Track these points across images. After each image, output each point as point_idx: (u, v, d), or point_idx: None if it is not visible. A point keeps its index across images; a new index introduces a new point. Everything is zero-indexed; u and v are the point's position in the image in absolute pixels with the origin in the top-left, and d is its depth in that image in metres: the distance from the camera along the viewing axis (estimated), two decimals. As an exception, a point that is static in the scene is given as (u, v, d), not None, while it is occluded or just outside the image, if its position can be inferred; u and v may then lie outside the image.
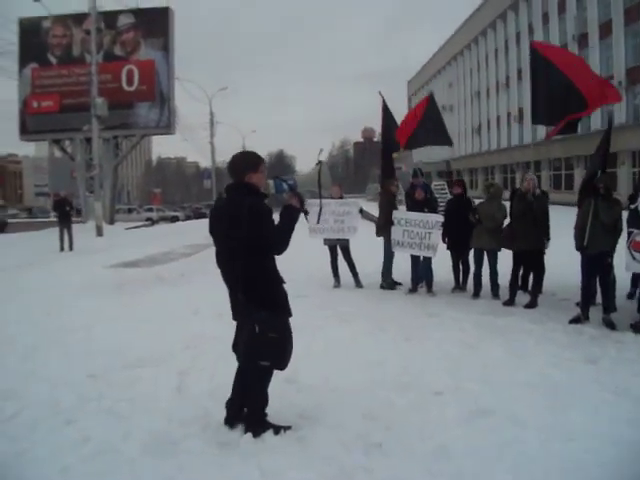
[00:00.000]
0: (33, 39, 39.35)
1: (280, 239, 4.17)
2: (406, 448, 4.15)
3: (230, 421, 4.50)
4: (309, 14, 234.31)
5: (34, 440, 4.33)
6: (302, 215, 4.42)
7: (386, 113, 11.22)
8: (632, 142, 34.11)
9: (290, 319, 4.41)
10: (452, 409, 4.83)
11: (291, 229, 4.23)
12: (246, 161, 4.38)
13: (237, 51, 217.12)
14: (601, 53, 39.44)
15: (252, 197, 4.18)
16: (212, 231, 4.45)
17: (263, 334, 4.20)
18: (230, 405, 4.53)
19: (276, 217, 4.19)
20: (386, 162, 11.26)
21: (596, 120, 39.44)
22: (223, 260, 4.36)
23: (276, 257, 4.34)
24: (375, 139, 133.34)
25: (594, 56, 39.77)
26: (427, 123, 10.43)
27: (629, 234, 7.43)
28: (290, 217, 4.25)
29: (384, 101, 11.18)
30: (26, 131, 40.52)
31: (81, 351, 6.78)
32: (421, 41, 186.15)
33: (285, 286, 4.40)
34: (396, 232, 10.16)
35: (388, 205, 10.70)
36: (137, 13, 38.65)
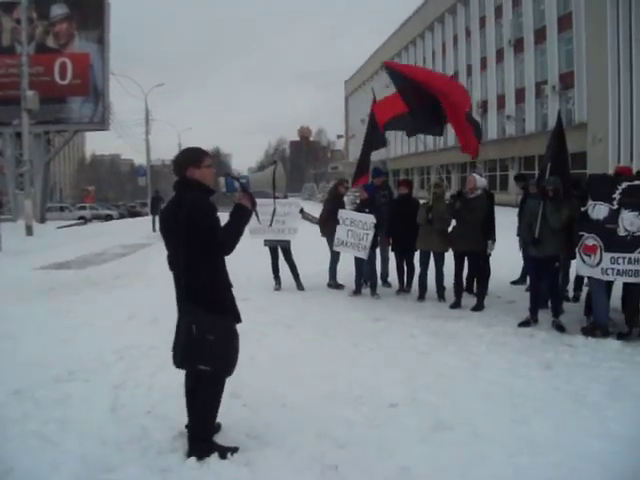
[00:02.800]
0: (-42, 27, 37.71)
1: (227, 239, 3.89)
2: (364, 470, 3.85)
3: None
4: (248, 15, 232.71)
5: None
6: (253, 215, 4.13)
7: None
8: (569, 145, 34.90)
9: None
10: (410, 423, 4.55)
11: (240, 229, 3.97)
12: (188, 156, 4.10)
13: (174, 49, 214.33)
14: (536, 58, 40.29)
15: (194, 193, 3.92)
16: (162, 232, 4.16)
17: (200, 336, 3.89)
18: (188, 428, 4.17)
19: (225, 216, 3.89)
20: (363, 159, 10.73)
21: (530, 122, 40.36)
22: (172, 263, 4.05)
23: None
24: (311, 138, 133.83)
25: (529, 61, 40.65)
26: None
27: (579, 237, 7.34)
28: (240, 217, 3.99)
29: (374, 98, 10.81)
30: (-50, 125, 38.78)
31: (6, 363, 6.23)
32: (358, 42, 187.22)
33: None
34: (340, 231, 9.90)
35: (334, 205, 10.44)
36: (71, 4, 37.47)
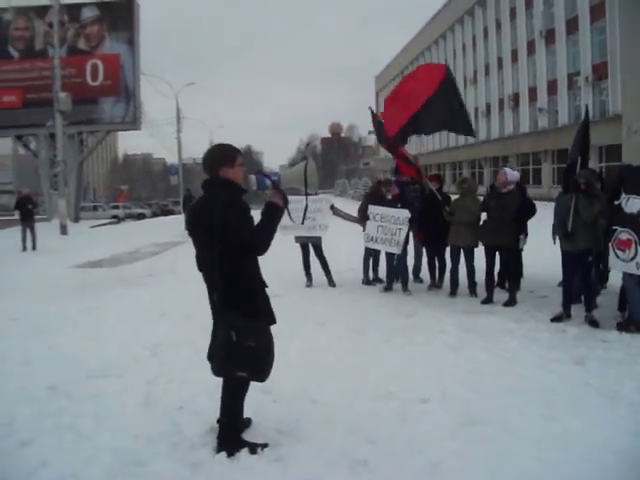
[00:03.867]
0: (-6, 32, 38.36)
1: (261, 239, 3.81)
2: (394, 465, 3.84)
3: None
4: (279, 11, 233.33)
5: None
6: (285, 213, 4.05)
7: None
8: (598, 137, 34.32)
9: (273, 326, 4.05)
10: (440, 419, 4.53)
11: (273, 228, 3.87)
12: (221, 154, 3.99)
13: (204, 48, 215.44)
14: (568, 49, 39.62)
15: (228, 193, 3.83)
16: (191, 232, 4.11)
17: (240, 342, 3.80)
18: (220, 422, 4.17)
19: (257, 214, 3.85)
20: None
21: (563, 115, 39.76)
22: (202, 262, 4.00)
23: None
24: (342, 134, 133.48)
25: (561, 52, 40.00)
26: (439, 103, 9.10)
27: (613, 231, 7.22)
28: (272, 216, 3.89)
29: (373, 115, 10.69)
30: (-13, 127, 39.49)
31: (42, 360, 6.33)
32: (389, 38, 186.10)
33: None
34: (371, 227, 9.90)
35: (371, 201, 10.43)
36: (101, 6, 37.89)
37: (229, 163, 3.92)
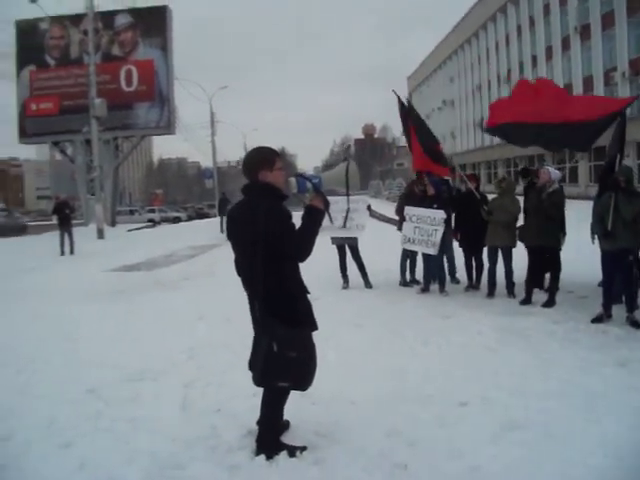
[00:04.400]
0: (30, 41, 39.06)
1: (303, 245, 3.75)
2: (434, 469, 3.79)
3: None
4: (312, 15, 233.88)
5: (24, 468, 3.98)
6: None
7: (409, 112, 10.45)
8: (636, 134, 33.69)
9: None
10: (480, 423, 4.45)
11: (315, 233, 3.81)
12: (260, 158, 3.94)
13: (236, 51, 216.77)
14: (604, 44, 38.92)
15: (269, 199, 3.77)
16: (230, 236, 4.05)
17: (281, 353, 3.74)
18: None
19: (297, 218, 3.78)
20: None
21: (600, 112, 39.00)
22: (242, 268, 3.96)
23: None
24: (376, 135, 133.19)
25: (597, 47, 39.33)
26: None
27: None
28: (314, 220, 3.83)
29: (399, 99, 10.63)
30: (25, 134, 40.22)
31: (80, 362, 6.42)
32: (420, 37, 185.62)
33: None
34: (407, 229, 9.85)
35: (406, 201, 10.43)
36: (134, 12, 38.37)
37: (268, 167, 3.87)
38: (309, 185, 4.03)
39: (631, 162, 36.15)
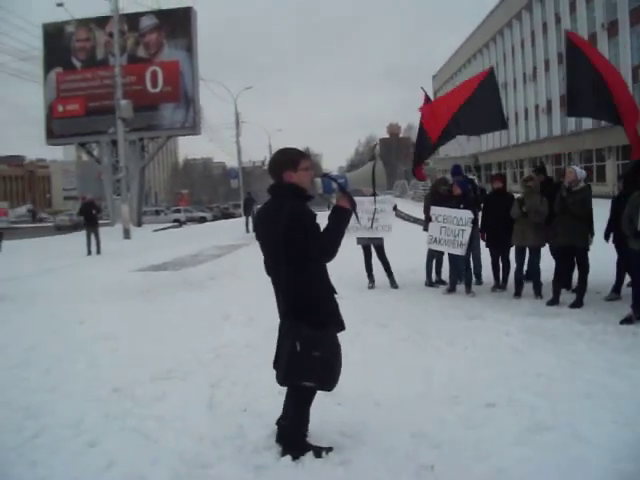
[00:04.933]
0: (57, 44, 39.70)
1: (329, 245, 3.73)
2: (461, 471, 3.76)
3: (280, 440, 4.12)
4: (335, 15, 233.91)
5: (54, 465, 4.01)
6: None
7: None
8: (617, 140, 33.26)
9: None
10: (507, 424, 4.41)
11: (341, 233, 3.78)
12: (284, 159, 3.92)
13: (260, 51, 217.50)
14: (632, 41, 38.31)
15: (292, 200, 3.76)
16: (257, 237, 4.06)
17: (305, 352, 3.73)
18: (280, 424, 4.15)
19: (323, 218, 3.77)
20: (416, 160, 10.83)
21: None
22: (270, 268, 3.96)
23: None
24: (401, 135, 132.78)
25: (625, 44, 38.75)
26: (476, 105, 9.32)
27: None
28: (340, 220, 3.80)
29: (426, 95, 10.66)
30: (52, 135, 40.83)
31: (106, 362, 6.48)
32: (445, 36, 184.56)
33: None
34: (433, 229, 9.82)
35: (432, 201, 10.39)
36: (159, 14, 38.79)
37: (292, 167, 3.85)
38: (335, 185, 4.01)
39: (611, 165, 36.02)
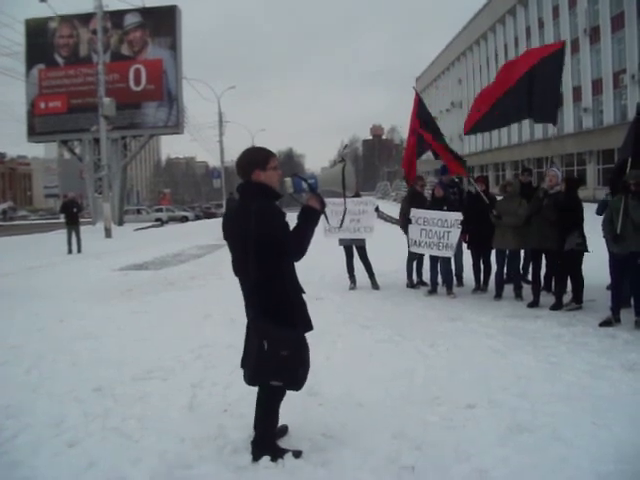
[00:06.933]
0: (40, 40, 39.35)
1: (297, 244, 3.71)
2: (442, 472, 3.78)
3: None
4: (320, 18, 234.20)
5: (35, 465, 3.98)
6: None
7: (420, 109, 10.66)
8: (597, 144, 33.65)
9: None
10: (487, 425, 4.44)
11: (310, 233, 3.76)
12: (252, 158, 3.89)
13: (247, 52, 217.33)
14: (613, 46, 38.73)
15: (260, 199, 3.74)
16: (225, 236, 4.03)
17: (272, 351, 3.73)
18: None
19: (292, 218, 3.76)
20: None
21: (609, 114, 38.97)
22: (238, 268, 3.93)
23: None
24: (384, 136, 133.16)
25: (606, 50, 39.14)
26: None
27: None
28: (309, 220, 3.77)
29: (417, 95, 10.72)
30: (34, 132, 40.50)
31: (87, 361, 6.44)
32: (429, 39, 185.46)
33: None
34: (414, 231, 9.81)
35: (411, 203, 10.36)
36: (144, 12, 38.52)
37: (260, 166, 3.83)
38: (305, 185, 3.98)
39: (592, 169, 36.42)
